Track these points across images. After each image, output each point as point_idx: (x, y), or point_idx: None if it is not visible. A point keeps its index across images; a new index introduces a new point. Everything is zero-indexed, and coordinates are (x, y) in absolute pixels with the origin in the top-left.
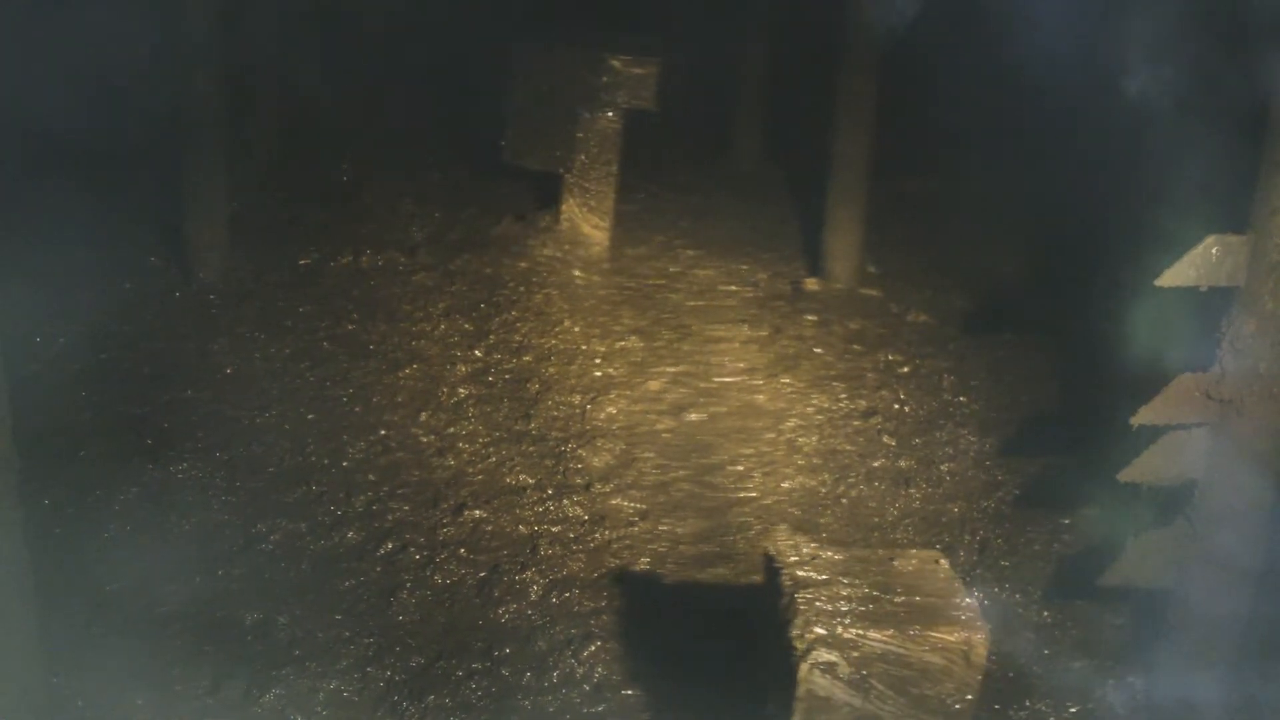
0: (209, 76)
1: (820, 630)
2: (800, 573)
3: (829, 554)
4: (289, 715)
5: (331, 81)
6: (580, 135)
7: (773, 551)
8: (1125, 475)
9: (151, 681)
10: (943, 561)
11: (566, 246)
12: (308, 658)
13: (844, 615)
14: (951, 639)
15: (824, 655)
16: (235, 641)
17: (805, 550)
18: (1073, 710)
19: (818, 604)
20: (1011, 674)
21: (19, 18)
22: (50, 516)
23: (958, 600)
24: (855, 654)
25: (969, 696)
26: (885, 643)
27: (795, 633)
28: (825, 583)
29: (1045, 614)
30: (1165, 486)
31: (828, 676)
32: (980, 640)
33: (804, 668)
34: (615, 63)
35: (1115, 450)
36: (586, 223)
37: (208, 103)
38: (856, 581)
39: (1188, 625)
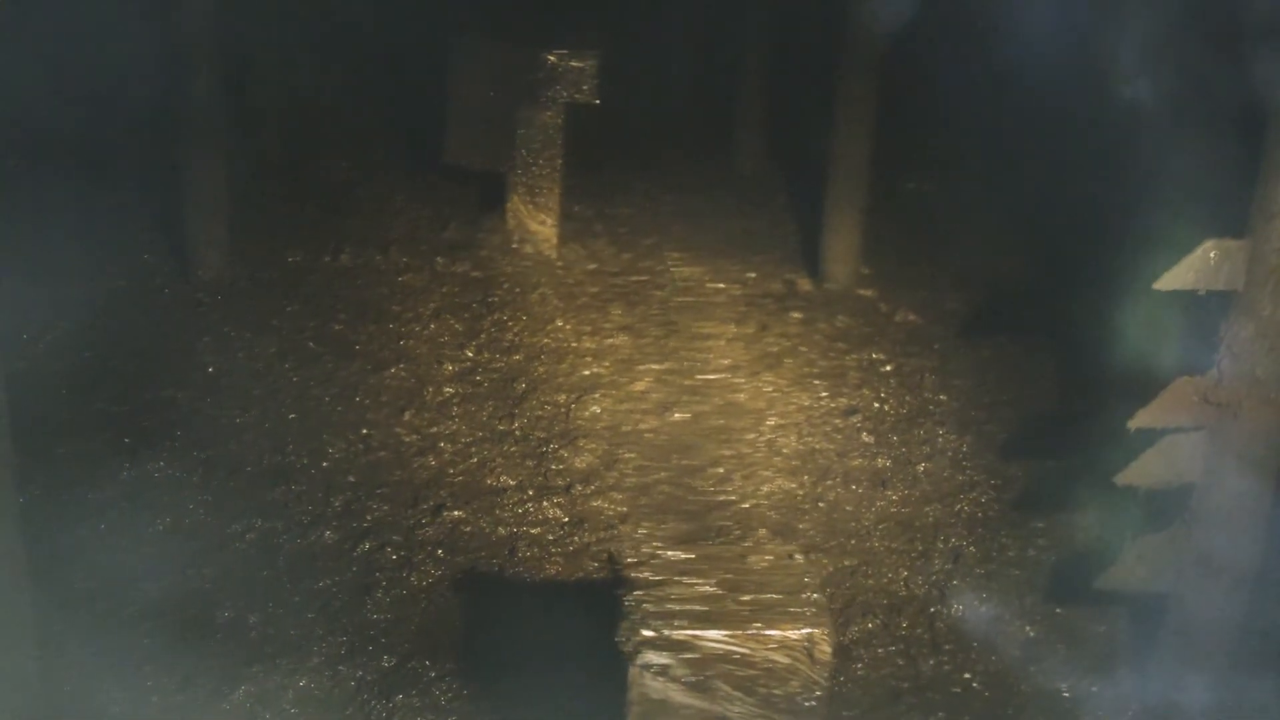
0: (209, 74)
1: (649, 633)
2: (636, 574)
3: (674, 553)
4: (257, 712)
5: (329, 78)
6: (521, 132)
7: (613, 552)
8: (1122, 478)
9: (123, 678)
10: (798, 556)
11: (514, 244)
12: (278, 655)
13: (678, 616)
14: (793, 636)
15: (654, 658)
16: (207, 639)
17: (645, 550)
18: None
19: (646, 605)
20: (1000, 691)
21: (17, 15)
22: (24, 514)
23: (805, 596)
24: (692, 655)
25: (818, 694)
26: (724, 643)
27: (621, 636)
28: (660, 583)
29: (1028, 629)
30: (1162, 490)
31: (661, 679)
32: (823, 636)
33: (633, 671)
34: (551, 57)
35: (1101, 453)
36: (533, 220)
37: (208, 100)
38: (701, 581)
39: (1183, 629)
